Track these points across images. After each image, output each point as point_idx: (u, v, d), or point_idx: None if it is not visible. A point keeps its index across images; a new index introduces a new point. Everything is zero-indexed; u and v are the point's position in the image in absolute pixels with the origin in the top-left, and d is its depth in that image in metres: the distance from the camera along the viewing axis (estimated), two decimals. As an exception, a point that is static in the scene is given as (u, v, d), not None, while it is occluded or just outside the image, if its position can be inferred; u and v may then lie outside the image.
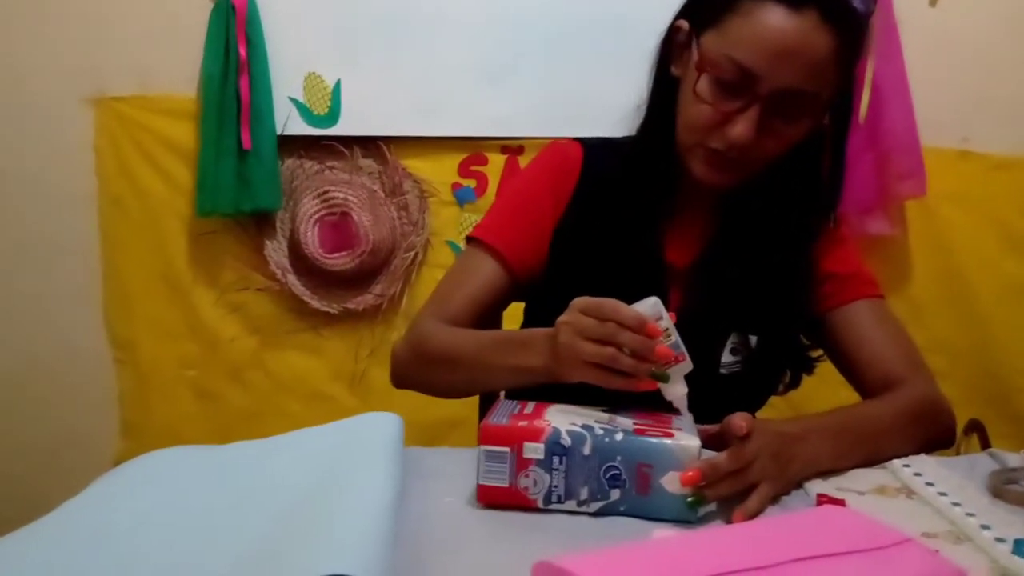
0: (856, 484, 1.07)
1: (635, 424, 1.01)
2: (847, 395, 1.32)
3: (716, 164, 1.23)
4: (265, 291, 2.55)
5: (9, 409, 2.59)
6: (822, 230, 1.38)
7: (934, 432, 1.24)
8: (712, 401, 1.12)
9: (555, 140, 1.44)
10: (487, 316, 1.36)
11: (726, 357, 1.32)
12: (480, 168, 2.47)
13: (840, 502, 1.00)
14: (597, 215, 1.35)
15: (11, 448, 2.60)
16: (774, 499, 1.01)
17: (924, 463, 1.13)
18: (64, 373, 2.59)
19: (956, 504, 0.99)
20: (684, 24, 1.27)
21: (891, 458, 1.14)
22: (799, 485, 1.06)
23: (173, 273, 2.54)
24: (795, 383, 1.40)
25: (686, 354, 1.03)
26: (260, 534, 0.87)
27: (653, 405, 1.09)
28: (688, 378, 1.06)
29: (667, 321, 1.02)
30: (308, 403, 2.55)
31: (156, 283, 2.55)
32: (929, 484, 1.05)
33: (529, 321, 1.46)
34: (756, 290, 1.31)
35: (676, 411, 1.06)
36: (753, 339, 1.32)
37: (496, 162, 2.46)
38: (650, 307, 1.02)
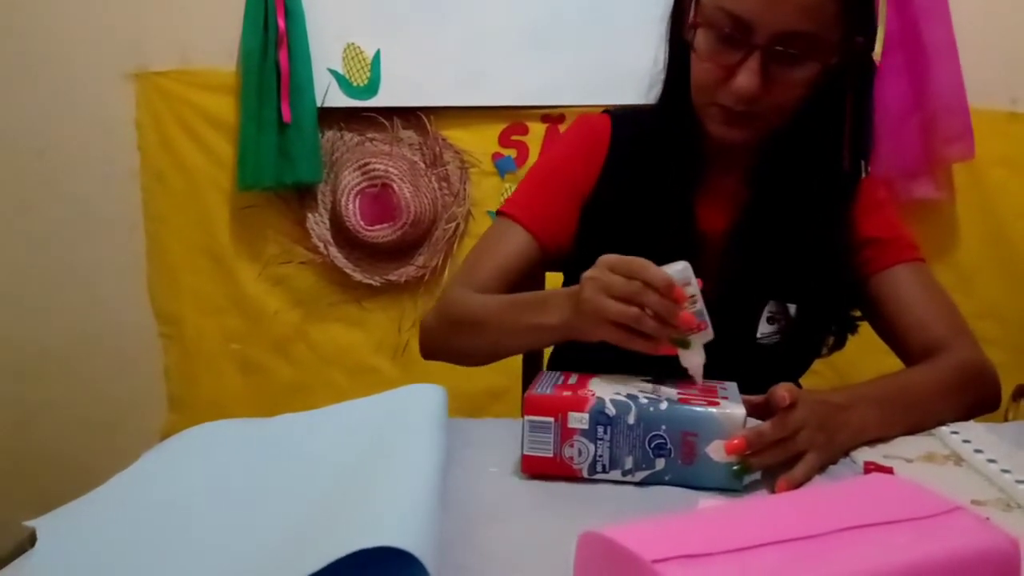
0: (904, 451, 1.06)
1: (679, 393, 1.01)
2: (892, 363, 1.30)
3: (729, 121, 1.22)
4: (307, 264, 2.56)
5: (58, 384, 2.63)
6: (855, 189, 1.36)
7: (980, 397, 1.23)
8: (750, 371, 1.12)
9: (583, 113, 1.44)
10: (516, 285, 1.35)
11: (763, 327, 1.30)
12: (521, 137, 2.45)
13: (888, 470, 1.00)
14: (627, 185, 1.34)
15: (61, 422, 2.65)
16: (821, 469, 1.00)
17: (972, 429, 1.12)
18: (111, 348, 2.63)
19: (1006, 471, 0.98)
20: None
21: (938, 424, 1.13)
22: (846, 454, 1.05)
23: (216, 247, 2.57)
24: (839, 345, 1.38)
25: (709, 323, 1.02)
26: (308, 506, 0.87)
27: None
28: (725, 348, 1.05)
29: (694, 287, 1.01)
30: (352, 375, 2.57)
31: (200, 258, 2.58)
32: (978, 451, 1.04)
33: None
34: (792, 256, 1.30)
35: (691, 379, 1.05)
36: (792, 308, 1.31)
37: (537, 131, 2.45)
38: (679, 271, 1.01)
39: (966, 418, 1.17)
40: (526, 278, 1.38)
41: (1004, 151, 2.38)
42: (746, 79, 1.16)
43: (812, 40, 1.15)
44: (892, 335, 1.32)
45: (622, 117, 1.42)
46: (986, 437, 1.09)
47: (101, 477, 0.99)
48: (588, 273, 1.05)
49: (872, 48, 1.28)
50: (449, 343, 1.33)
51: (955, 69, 2.27)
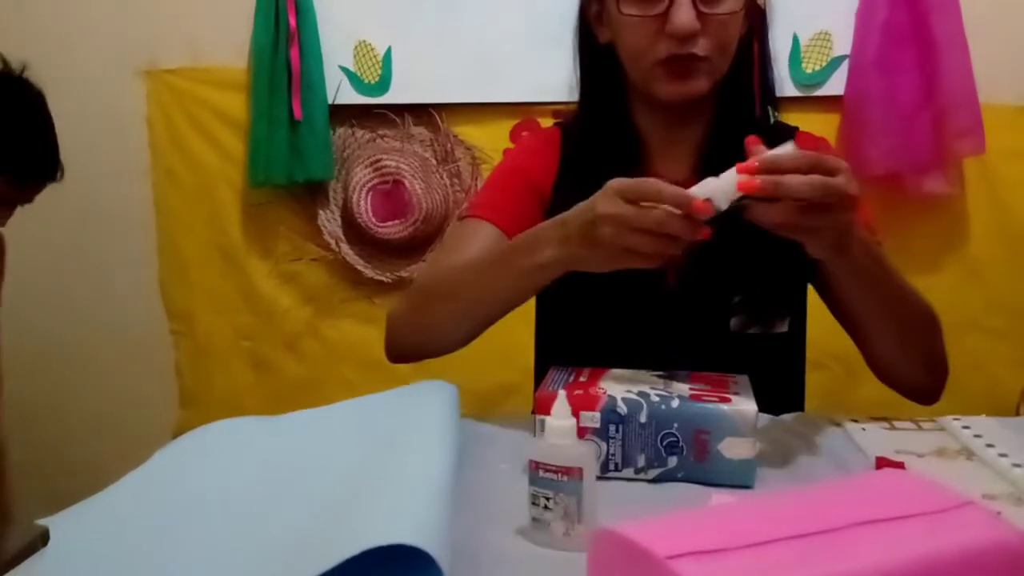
0: (915, 446, 1.07)
1: (691, 390, 1.02)
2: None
3: (678, 72, 1.23)
4: (319, 261, 2.57)
5: (69, 381, 2.65)
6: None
7: (935, 349, 1.24)
8: (729, 363, 1.13)
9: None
10: None
11: (735, 319, 1.29)
12: (532, 133, 2.44)
13: (900, 465, 1.00)
14: (580, 188, 1.34)
15: (72, 419, 2.66)
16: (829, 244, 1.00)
17: (983, 424, 1.13)
18: (122, 345, 2.64)
19: (1017, 465, 0.99)
20: None
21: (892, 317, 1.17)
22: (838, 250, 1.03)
23: (227, 244, 2.58)
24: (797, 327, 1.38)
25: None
26: (320, 504, 0.88)
27: (709, 368, 1.10)
28: (700, 342, 1.07)
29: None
30: (364, 371, 2.57)
31: (211, 254, 2.59)
32: (989, 446, 1.05)
33: (544, 294, 1.47)
34: (749, 239, 1.29)
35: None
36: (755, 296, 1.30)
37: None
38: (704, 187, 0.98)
39: (911, 355, 1.21)
40: None
41: (1014, 145, 2.37)
42: (680, 14, 1.18)
43: None
44: (843, 313, 1.30)
45: (569, 127, 1.43)
46: (998, 432, 1.10)
47: (113, 474, 0.99)
48: (600, 208, 1.00)
49: None
50: (422, 321, 1.30)
51: (965, 64, 2.26)
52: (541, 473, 0.84)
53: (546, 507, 0.84)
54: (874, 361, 1.26)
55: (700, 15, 1.18)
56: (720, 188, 0.96)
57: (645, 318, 1.29)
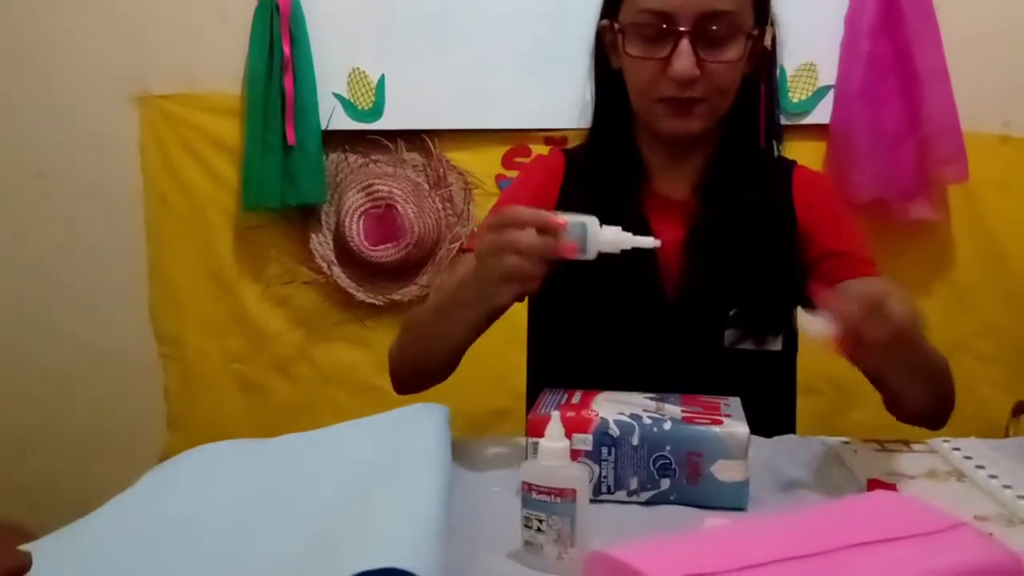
0: (906, 468, 1.08)
1: (683, 411, 1.02)
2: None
3: (677, 112, 1.28)
4: (311, 284, 2.57)
5: (56, 405, 2.63)
6: (787, 174, 1.43)
7: (949, 391, 1.27)
8: (723, 379, 1.16)
9: (538, 154, 1.49)
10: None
11: (729, 334, 1.32)
12: (524, 159, 2.46)
13: (891, 487, 1.01)
14: (581, 209, 1.38)
15: (59, 443, 2.64)
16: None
17: (974, 446, 1.14)
18: (111, 369, 2.63)
19: (1007, 487, 1.00)
20: (606, 22, 1.34)
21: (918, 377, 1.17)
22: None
23: (219, 268, 2.58)
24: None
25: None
26: (311, 527, 0.88)
27: (701, 390, 1.11)
28: (694, 357, 1.10)
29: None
30: (355, 395, 2.57)
31: (202, 278, 2.59)
32: (979, 467, 1.06)
33: (536, 317, 1.51)
34: (746, 258, 1.33)
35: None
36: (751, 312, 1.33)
37: (540, 153, 2.45)
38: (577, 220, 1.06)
39: (932, 404, 1.23)
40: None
41: (997, 173, 2.41)
42: (681, 61, 1.22)
43: (734, 18, 1.24)
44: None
45: (574, 152, 1.48)
46: (987, 453, 1.11)
47: (100, 498, 0.99)
48: (479, 246, 1.09)
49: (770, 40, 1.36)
50: (406, 359, 1.35)
51: (947, 94, 2.29)
52: (534, 495, 0.85)
53: (539, 529, 0.85)
54: (890, 405, 1.28)
55: (700, 62, 1.23)
56: (600, 237, 1.06)
57: (642, 334, 1.32)
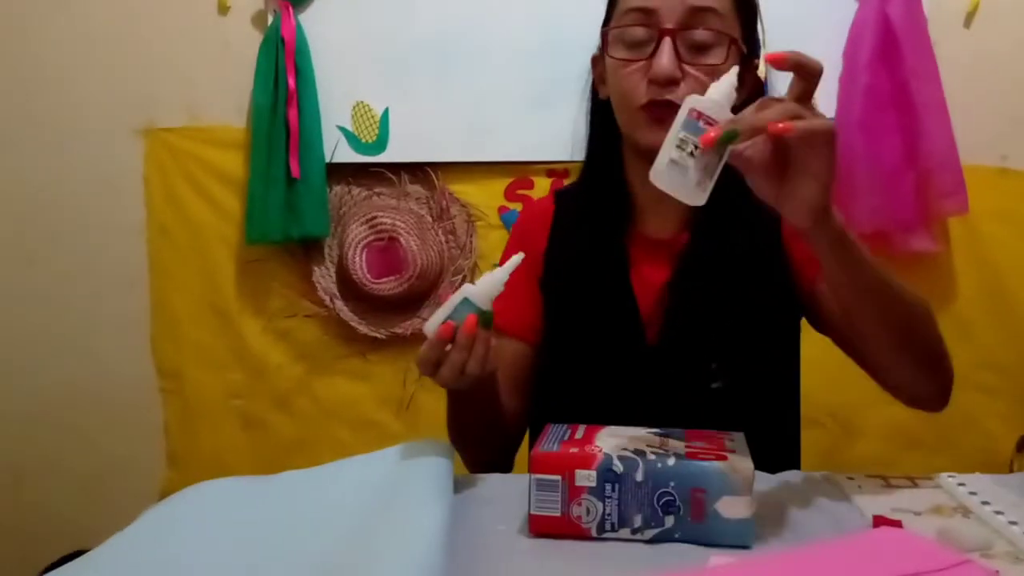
0: (911, 504, 1.07)
1: (687, 447, 1.01)
2: (897, 411, 1.32)
3: (658, 118, 1.24)
4: (313, 317, 2.57)
5: (54, 439, 2.63)
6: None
7: (935, 338, 1.23)
8: (710, 418, 1.15)
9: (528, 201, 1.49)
10: (527, 388, 1.43)
11: (716, 375, 1.30)
12: (526, 192, 2.48)
13: (897, 523, 1.01)
14: (569, 251, 1.40)
15: (58, 477, 2.64)
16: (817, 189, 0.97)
17: (979, 481, 1.13)
18: (110, 403, 2.62)
19: (1013, 523, 0.99)
20: (596, 53, 1.37)
21: (890, 314, 1.14)
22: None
23: (221, 301, 2.58)
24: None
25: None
26: (311, 565, 0.88)
27: (706, 424, 1.11)
28: (681, 398, 1.16)
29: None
30: (356, 430, 2.57)
31: (204, 312, 2.59)
32: (985, 503, 1.05)
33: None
34: (733, 300, 1.32)
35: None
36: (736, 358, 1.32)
37: (542, 185, 2.47)
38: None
39: (911, 351, 1.19)
40: (533, 374, 1.44)
41: (997, 205, 2.42)
42: (662, 59, 1.21)
43: (717, 18, 1.24)
44: (838, 331, 1.32)
45: (565, 194, 1.48)
46: (993, 489, 1.10)
47: (98, 536, 0.98)
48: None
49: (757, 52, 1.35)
50: (476, 462, 1.37)
51: (946, 127, 2.31)
52: (701, 123, 0.94)
53: (691, 154, 0.94)
54: (875, 366, 1.25)
55: (682, 65, 1.22)
56: (483, 294, 1.11)
57: (626, 375, 1.32)
